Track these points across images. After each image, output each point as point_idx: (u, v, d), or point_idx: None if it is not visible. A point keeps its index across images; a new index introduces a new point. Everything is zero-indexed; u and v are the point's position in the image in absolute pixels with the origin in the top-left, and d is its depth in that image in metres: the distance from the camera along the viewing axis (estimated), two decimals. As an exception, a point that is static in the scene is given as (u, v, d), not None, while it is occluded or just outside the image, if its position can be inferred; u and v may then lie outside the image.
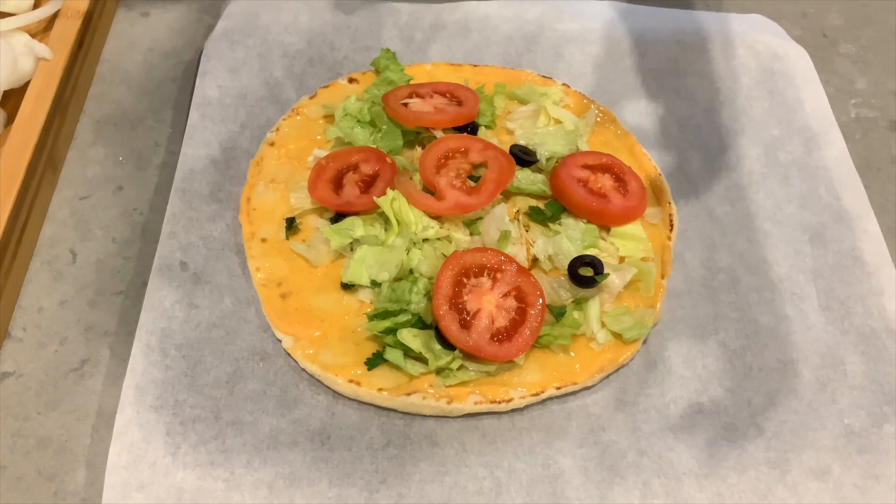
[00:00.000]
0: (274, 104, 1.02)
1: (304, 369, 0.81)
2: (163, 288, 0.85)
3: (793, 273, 0.92)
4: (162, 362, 0.80)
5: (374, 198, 0.86)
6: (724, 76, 1.10)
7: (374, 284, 0.84)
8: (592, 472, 0.77)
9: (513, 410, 0.80)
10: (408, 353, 0.80)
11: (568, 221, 0.90)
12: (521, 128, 0.99)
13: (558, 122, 0.99)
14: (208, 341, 0.83)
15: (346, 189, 0.90)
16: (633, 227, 0.91)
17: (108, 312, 0.86)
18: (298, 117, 0.99)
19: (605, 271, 0.85)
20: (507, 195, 0.92)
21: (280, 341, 0.82)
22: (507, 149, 0.94)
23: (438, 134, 0.95)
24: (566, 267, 0.86)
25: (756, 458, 0.79)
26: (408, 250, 0.85)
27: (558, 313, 0.83)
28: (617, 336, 0.83)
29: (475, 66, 1.07)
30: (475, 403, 0.78)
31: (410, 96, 0.97)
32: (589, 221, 0.90)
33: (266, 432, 0.77)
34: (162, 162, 0.99)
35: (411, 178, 0.91)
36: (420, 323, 0.81)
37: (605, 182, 0.92)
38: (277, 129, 0.97)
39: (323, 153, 0.94)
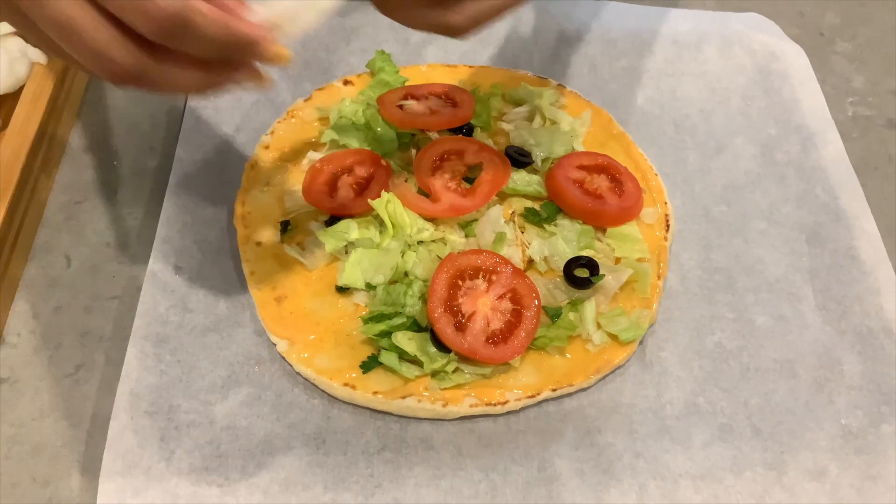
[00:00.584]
0: (268, 107, 1.02)
1: (299, 373, 0.81)
2: (157, 293, 0.85)
3: (789, 273, 0.92)
4: (156, 367, 0.80)
5: (369, 200, 0.86)
6: (721, 75, 1.10)
7: (370, 287, 0.84)
8: (588, 475, 0.77)
9: (508, 413, 0.80)
10: (403, 356, 0.79)
11: (563, 223, 0.90)
12: (517, 129, 0.98)
13: (554, 122, 0.99)
14: (203, 346, 0.82)
15: (341, 192, 0.90)
16: (629, 228, 0.90)
17: (102, 318, 0.86)
18: (293, 120, 0.99)
19: (601, 272, 0.85)
20: (503, 197, 0.92)
21: (275, 345, 0.82)
22: (502, 150, 0.94)
23: (434, 136, 0.95)
24: (562, 268, 0.86)
25: (753, 459, 0.79)
26: (403, 253, 0.85)
27: (554, 315, 0.83)
28: (613, 337, 0.83)
29: (470, 67, 1.07)
30: (471, 406, 0.78)
31: (406, 98, 0.97)
32: (585, 222, 0.90)
33: (261, 437, 0.77)
34: (156, 166, 0.99)
35: (406, 181, 0.91)
36: (415, 326, 0.81)
37: (601, 183, 0.92)
38: (272, 132, 0.97)
39: (318, 156, 0.94)
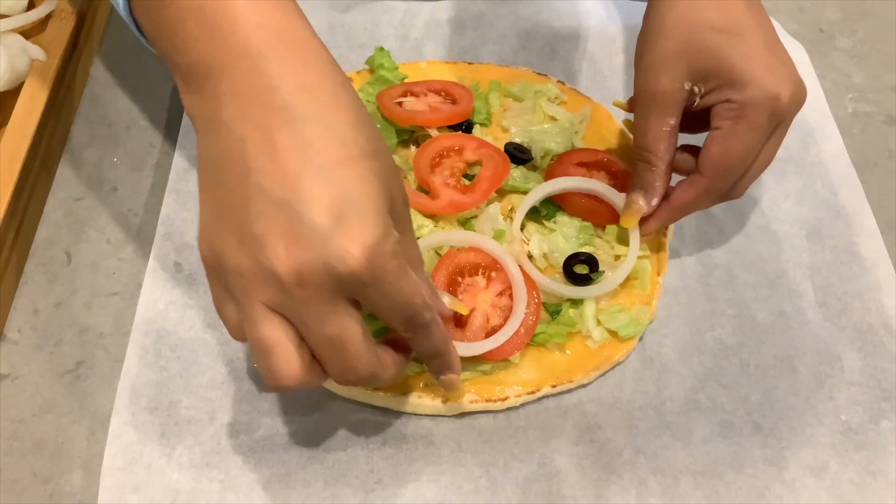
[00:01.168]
0: (268, 104, 1.02)
1: (299, 369, 0.81)
2: (158, 289, 0.85)
3: (789, 269, 0.92)
4: (157, 363, 0.80)
5: (369, 197, 0.86)
6: (721, 72, 1.10)
7: (369, 284, 0.84)
8: (588, 471, 0.77)
9: (508, 409, 0.80)
10: (403, 352, 0.80)
11: (563, 219, 0.90)
12: (517, 125, 0.98)
13: (553, 119, 0.99)
14: (203, 342, 0.82)
15: (341, 188, 0.89)
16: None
17: (103, 314, 0.86)
18: (293, 117, 0.99)
19: (601, 269, 0.85)
20: (502, 193, 0.92)
21: (275, 342, 0.82)
22: (502, 147, 0.94)
23: (433, 132, 0.95)
24: (561, 265, 0.86)
25: (753, 455, 0.79)
26: (402, 249, 0.85)
27: (554, 311, 0.83)
28: (613, 333, 0.83)
29: (470, 63, 1.06)
30: (471, 402, 0.78)
31: (405, 95, 0.97)
32: (584, 219, 0.90)
33: (261, 433, 0.77)
34: (156, 163, 0.99)
35: (405, 178, 0.91)
36: (415, 322, 0.81)
37: (601, 179, 0.91)
38: (272, 129, 0.97)
39: (317, 152, 0.94)
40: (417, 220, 0.86)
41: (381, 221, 0.55)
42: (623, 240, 0.88)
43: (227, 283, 0.57)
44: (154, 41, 0.63)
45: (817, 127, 1.04)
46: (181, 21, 0.58)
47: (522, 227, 0.88)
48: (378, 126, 0.94)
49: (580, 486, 0.76)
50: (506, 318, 0.80)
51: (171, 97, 1.05)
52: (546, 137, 0.96)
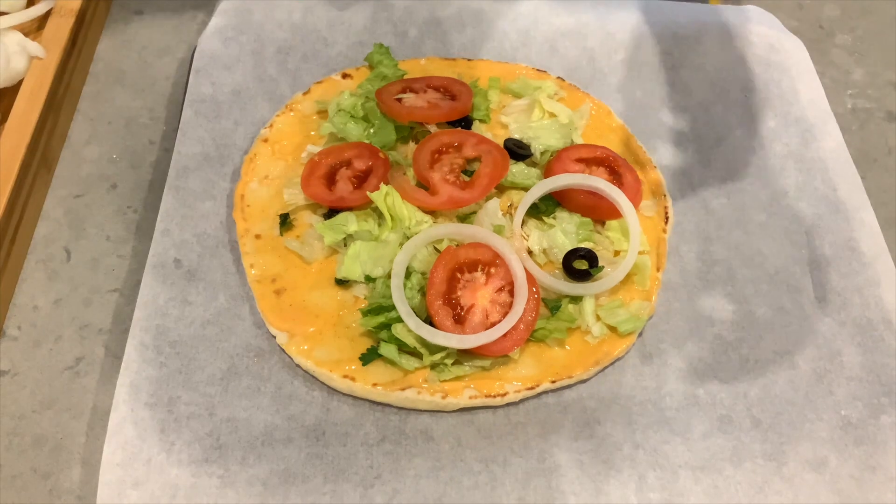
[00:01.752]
0: (268, 100, 1.02)
1: (298, 365, 0.81)
2: (157, 285, 0.85)
3: (789, 265, 0.92)
4: (156, 360, 0.80)
5: (368, 193, 0.86)
6: (720, 68, 1.10)
7: (369, 280, 0.84)
8: (588, 466, 0.77)
9: (508, 404, 0.80)
10: (402, 348, 0.79)
11: (562, 215, 0.90)
12: (516, 122, 0.98)
13: (553, 115, 0.99)
14: (202, 338, 0.82)
15: (340, 185, 0.89)
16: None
17: (102, 310, 0.86)
18: (292, 113, 0.99)
19: (600, 264, 0.85)
20: (502, 189, 0.92)
21: (275, 338, 0.82)
22: (501, 143, 0.94)
23: (432, 129, 0.95)
24: (561, 260, 0.86)
25: (752, 450, 0.79)
26: (401, 245, 0.85)
27: (553, 307, 0.83)
28: (612, 329, 0.83)
29: (469, 60, 1.06)
30: (470, 398, 0.78)
31: (404, 91, 0.97)
32: (584, 215, 0.90)
33: (261, 429, 0.77)
34: (156, 159, 0.99)
35: (405, 174, 0.91)
36: (414, 318, 0.81)
37: (600, 175, 0.91)
38: (271, 126, 0.97)
39: (317, 149, 0.94)
40: (417, 215, 0.86)
41: None
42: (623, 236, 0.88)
43: None
44: None
45: (817, 123, 1.04)
46: None
47: (522, 224, 0.88)
48: (378, 122, 0.95)
49: (579, 480, 0.76)
50: (505, 314, 0.80)
51: (170, 94, 1.05)
52: (545, 133, 0.96)
